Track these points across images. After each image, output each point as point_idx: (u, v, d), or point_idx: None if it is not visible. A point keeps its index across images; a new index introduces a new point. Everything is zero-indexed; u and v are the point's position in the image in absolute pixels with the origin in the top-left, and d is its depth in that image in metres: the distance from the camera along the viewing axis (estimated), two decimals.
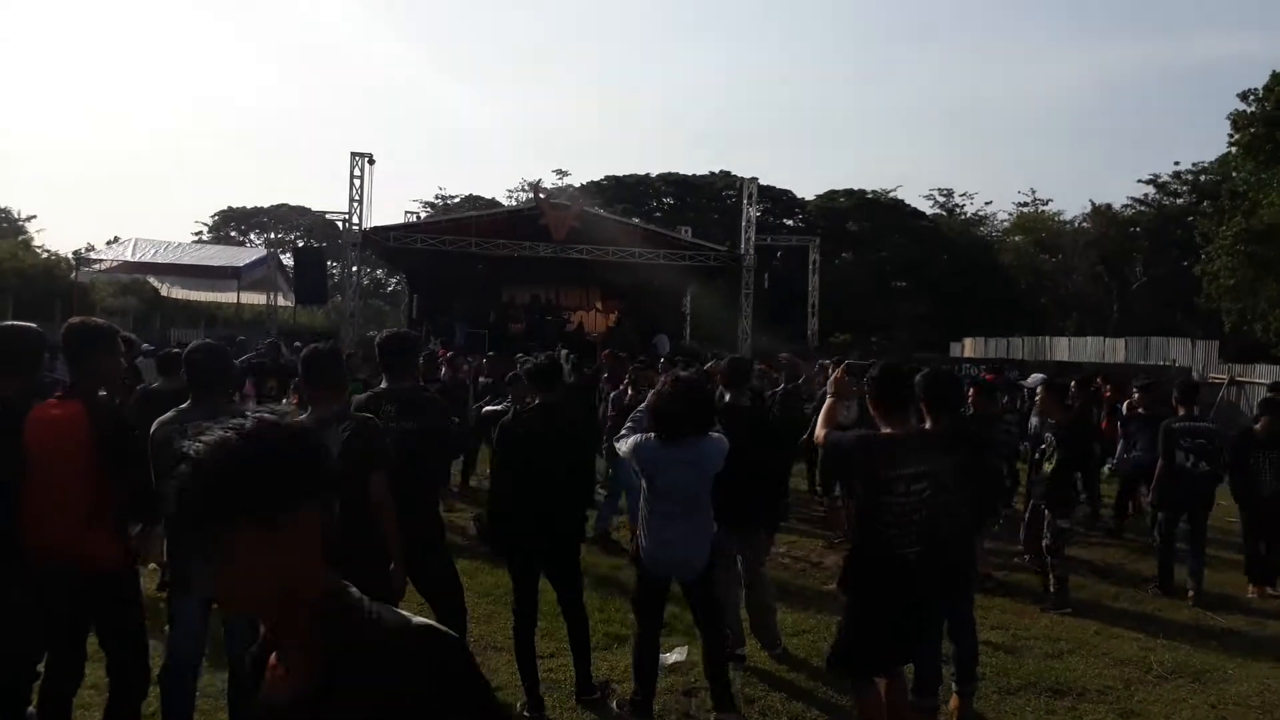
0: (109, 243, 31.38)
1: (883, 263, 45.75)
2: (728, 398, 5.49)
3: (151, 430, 3.83)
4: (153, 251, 26.25)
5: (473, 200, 53.57)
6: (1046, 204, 51.49)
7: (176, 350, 6.45)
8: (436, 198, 56.40)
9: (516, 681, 4.74)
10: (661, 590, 4.63)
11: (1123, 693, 5.21)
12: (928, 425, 4.55)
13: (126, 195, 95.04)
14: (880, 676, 4.18)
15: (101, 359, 3.82)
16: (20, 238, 45.98)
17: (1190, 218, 40.89)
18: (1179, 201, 43.08)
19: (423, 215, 45.28)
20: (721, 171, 49.53)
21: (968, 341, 35.21)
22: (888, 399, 4.18)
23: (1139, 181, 44.63)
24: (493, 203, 51.45)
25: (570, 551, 4.81)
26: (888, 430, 4.14)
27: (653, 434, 4.48)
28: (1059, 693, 5.18)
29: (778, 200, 47.92)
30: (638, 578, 4.68)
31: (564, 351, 17.58)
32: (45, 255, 35.59)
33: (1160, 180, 43.52)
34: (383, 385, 4.73)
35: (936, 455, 4.14)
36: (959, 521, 4.31)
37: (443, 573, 4.74)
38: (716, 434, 4.54)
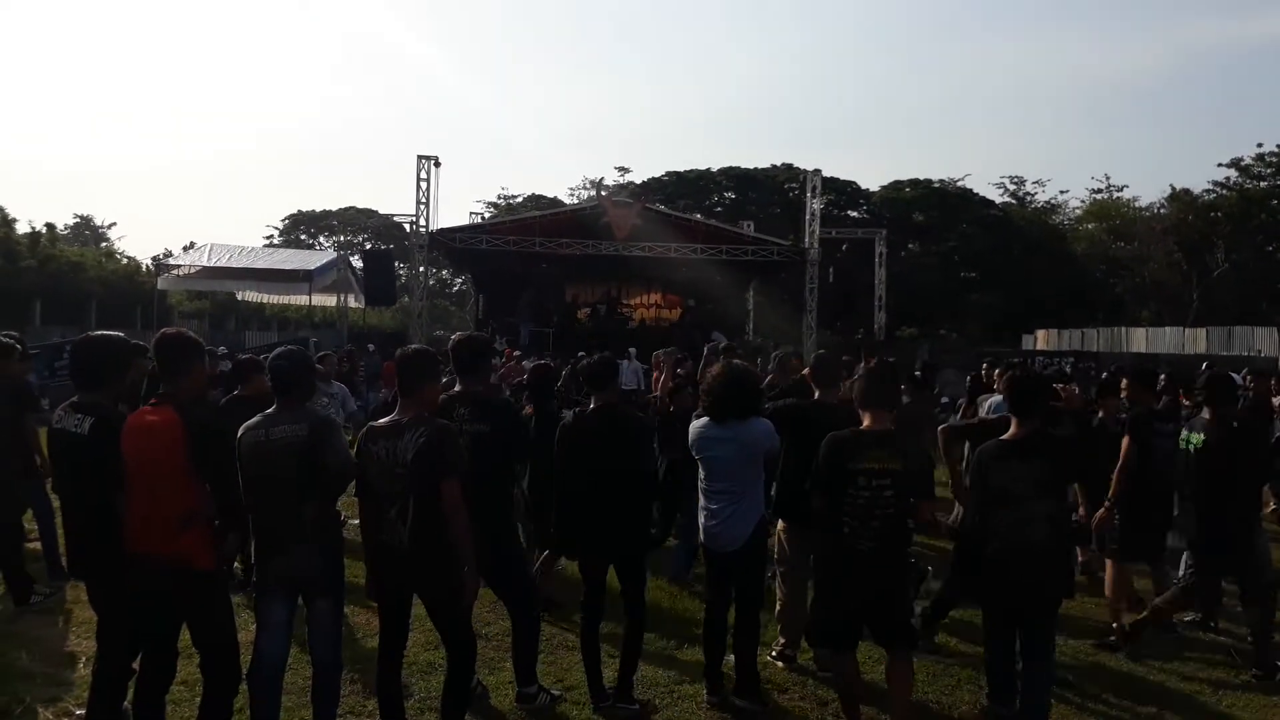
0: (185, 248, 32.34)
1: (951, 253, 44.91)
2: (817, 395, 5.38)
3: (239, 435, 3.95)
4: (227, 256, 26.97)
5: (535, 199, 54.03)
6: (1121, 190, 50.04)
7: (251, 358, 6.64)
8: (499, 198, 57.05)
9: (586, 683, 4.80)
10: (721, 564, 4.82)
11: (1210, 697, 5.05)
12: (1012, 431, 4.46)
13: (200, 199, 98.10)
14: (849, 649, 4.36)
15: (193, 368, 3.98)
16: (103, 244, 47.76)
17: (1275, 201, 39.35)
18: (1262, 184, 41.39)
19: (486, 216, 45.81)
20: (784, 164, 49.12)
21: (1040, 333, 34.50)
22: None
23: (1219, 165, 42.83)
24: (555, 202, 51.84)
25: (634, 553, 4.76)
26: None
27: (705, 415, 4.79)
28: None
29: (842, 192, 47.32)
30: (703, 551, 4.97)
31: (630, 350, 17.58)
32: (126, 262, 36.81)
33: (1243, 163, 41.88)
34: (456, 388, 4.81)
35: (1014, 463, 4.19)
36: (1034, 535, 4.22)
37: (516, 573, 4.80)
38: (764, 419, 4.74)
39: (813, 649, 4.83)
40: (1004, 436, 4.48)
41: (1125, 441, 5.85)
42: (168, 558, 3.72)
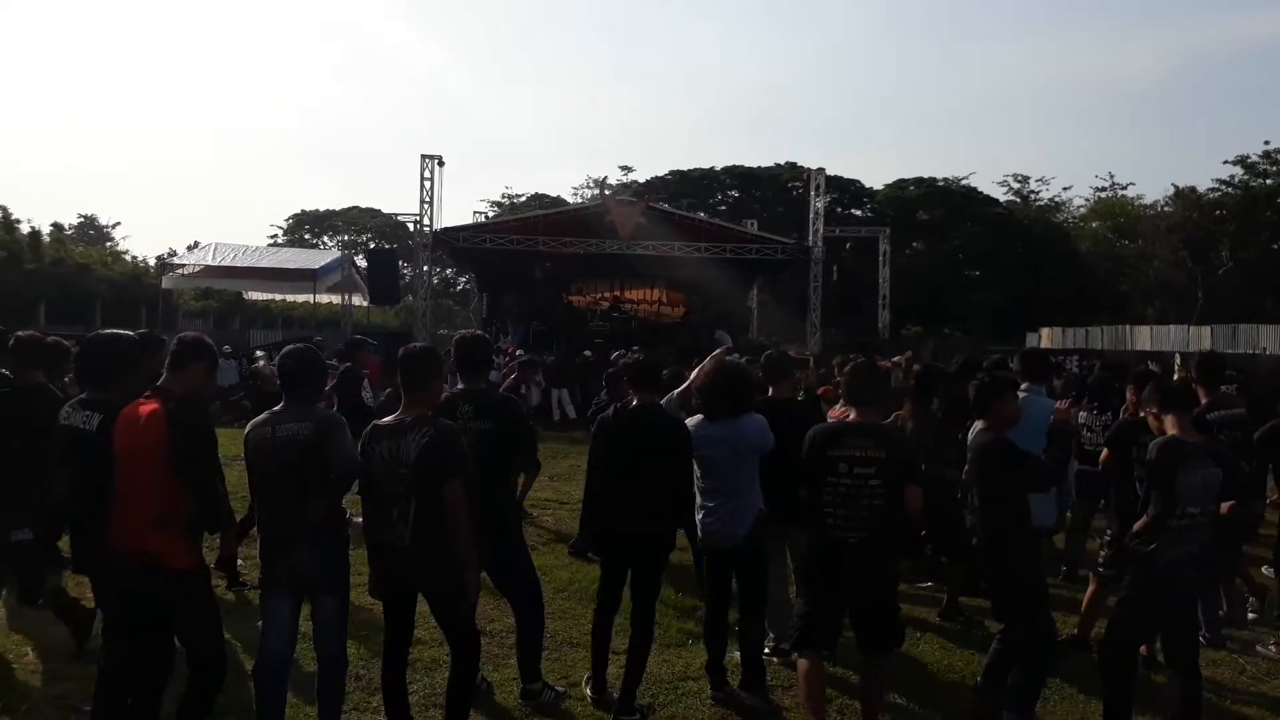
0: (190, 247, 32.45)
1: (955, 252, 44.91)
2: (770, 392, 5.50)
3: (245, 432, 3.97)
4: (232, 255, 27.06)
5: (539, 199, 54.09)
6: (1125, 188, 49.93)
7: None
8: (503, 197, 57.14)
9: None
10: (721, 561, 4.81)
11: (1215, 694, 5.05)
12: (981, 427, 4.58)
13: (204, 199, 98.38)
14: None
15: (198, 370, 3.94)
16: (107, 244, 47.90)
17: None
18: (1268, 182, 41.25)
19: (490, 215, 45.87)
20: (788, 163, 49.13)
21: (1045, 331, 34.48)
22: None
23: (1224, 163, 42.75)
24: (558, 201, 51.89)
25: (655, 557, 4.71)
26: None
27: (700, 414, 4.82)
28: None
29: (845, 190, 47.33)
30: (703, 549, 4.89)
31: (634, 349, 17.63)
32: (132, 261, 36.90)
33: (1248, 160, 41.75)
34: (459, 386, 4.82)
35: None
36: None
37: (519, 569, 4.82)
38: (758, 415, 4.77)
39: (799, 654, 4.51)
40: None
41: (1104, 453, 5.58)
42: (138, 555, 3.64)
